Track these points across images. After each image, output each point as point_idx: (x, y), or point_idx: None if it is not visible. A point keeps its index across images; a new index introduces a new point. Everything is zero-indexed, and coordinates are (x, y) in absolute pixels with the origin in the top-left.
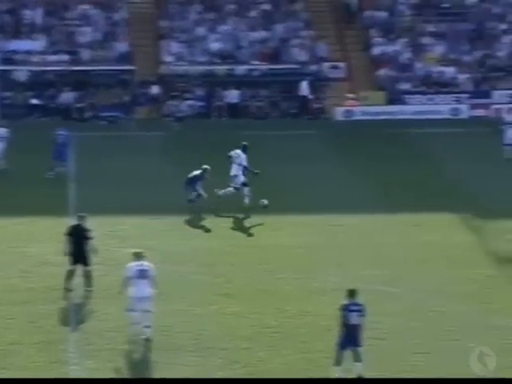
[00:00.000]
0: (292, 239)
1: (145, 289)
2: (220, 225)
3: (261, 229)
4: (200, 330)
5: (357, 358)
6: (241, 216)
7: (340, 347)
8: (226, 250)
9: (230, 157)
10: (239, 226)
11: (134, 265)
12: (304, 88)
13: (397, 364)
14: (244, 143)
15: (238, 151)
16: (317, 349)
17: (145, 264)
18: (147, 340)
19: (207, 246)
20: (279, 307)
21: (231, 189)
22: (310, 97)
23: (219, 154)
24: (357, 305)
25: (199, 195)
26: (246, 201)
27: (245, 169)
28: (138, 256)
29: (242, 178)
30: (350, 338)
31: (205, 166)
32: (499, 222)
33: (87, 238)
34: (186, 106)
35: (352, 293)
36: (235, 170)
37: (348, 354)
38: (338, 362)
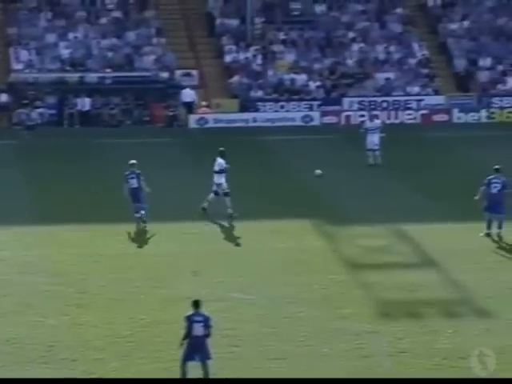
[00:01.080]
0: (147, 247)
1: None
2: (72, 234)
3: (113, 238)
4: (52, 341)
5: (205, 373)
6: (94, 225)
7: (184, 360)
8: (77, 260)
9: (216, 172)
10: (91, 236)
11: None
12: (189, 94)
13: (252, 370)
14: (221, 149)
15: (218, 159)
16: (171, 358)
17: None
18: None
19: (57, 255)
20: (133, 316)
21: (212, 195)
22: (196, 103)
23: (71, 162)
24: (200, 315)
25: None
26: (230, 210)
27: (226, 174)
28: None
29: (224, 187)
30: (194, 349)
31: (132, 161)
32: (351, 227)
33: None
34: (36, 114)
35: (196, 304)
36: (218, 177)
37: (193, 365)
38: (183, 375)
